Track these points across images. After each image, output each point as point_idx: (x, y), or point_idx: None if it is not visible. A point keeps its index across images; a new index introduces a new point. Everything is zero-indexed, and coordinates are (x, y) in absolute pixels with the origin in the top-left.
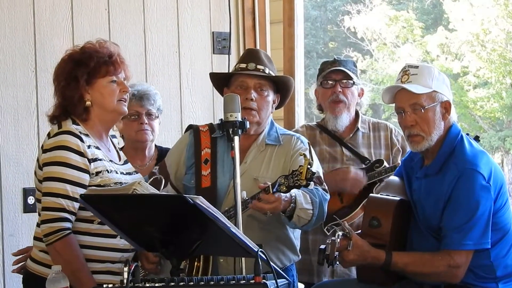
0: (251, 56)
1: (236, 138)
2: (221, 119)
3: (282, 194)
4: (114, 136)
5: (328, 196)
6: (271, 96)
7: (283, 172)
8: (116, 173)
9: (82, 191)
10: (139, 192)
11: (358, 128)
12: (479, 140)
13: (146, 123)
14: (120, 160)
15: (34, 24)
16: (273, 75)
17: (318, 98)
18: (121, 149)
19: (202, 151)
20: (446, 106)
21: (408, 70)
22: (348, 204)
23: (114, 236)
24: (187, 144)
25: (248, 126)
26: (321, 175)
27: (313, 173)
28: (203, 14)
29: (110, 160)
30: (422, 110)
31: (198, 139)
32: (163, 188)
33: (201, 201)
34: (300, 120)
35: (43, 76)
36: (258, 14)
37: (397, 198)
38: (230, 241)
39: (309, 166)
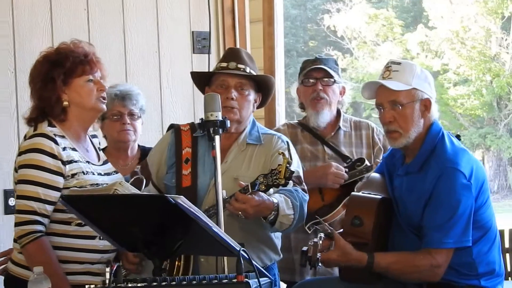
0: (232, 55)
1: (217, 137)
2: (202, 119)
3: (256, 198)
4: (94, 136)
5: (307, 197)
6: (252, 95)
7: (263, 172)
8: (93, 174)
9: (55, 193)
10: (120, 192)
11: (339, 127)
12: (460, 139)
13: (128, 123)
14: (99, 160)
15: (13, 25)
16: (254, 74)
17: (300, 97)
18: (104, 149)
19: (183, 150)
20: (426, 104)
21: (391, 66)
22: (329, 202)
23: (93, 238)
24: (169, 144)
25: (228, 125)
26: (301, 174)
27: (292, 172)
28: (182, 14)
29: (87, 161)
30: (400, 107)
31: (179, 138)
32: (145, 187)
33: (183, 200)
34: (281, 119)
35: (23, 78)
36: (238, 13)
37: (379, 197)
38: (212, 240)
39: (287, 165)
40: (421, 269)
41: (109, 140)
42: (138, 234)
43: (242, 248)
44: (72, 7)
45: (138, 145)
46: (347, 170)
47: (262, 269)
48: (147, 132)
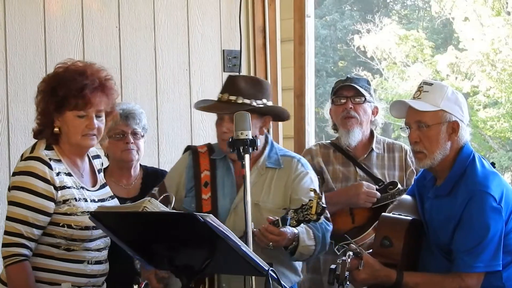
0: (227, 85)
1: (247, 156)
2: (232, 137)
3: (288, 230)
4: (97, 157)
5: (330, 226)
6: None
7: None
8: (85, 201)
9: (44, 218)
10: (149, 210)
11: (372, 149)
12: (495, 167)
13: (132, 143)
14: (95, 185)
15: (45, 41)
16: (249, 103)
17: (332, 117)
18: (106, 168)
19: (202, 173)
20: (454, 127)
21: (422, 86)
22: (359, 224)
23: (81, 262)
24: (187, 166)
25: (259, 143)
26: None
27: (324, 208)
28: (213, 32)
29: (81, 187)
30: (426, 128)
31: (197, 161)
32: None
33: (212, 219)
34: (311, 139)
35: None
36: (269, 33)
37: (409, 218)
38: (241, 259)
39: (319, 201)
40: None
41: (111, 159)
42: (165, 252)
43: (271, 268)
44: (103, 24)
45: (140, 165)
46: (379, 192)
47: None
48: (175, 151)
